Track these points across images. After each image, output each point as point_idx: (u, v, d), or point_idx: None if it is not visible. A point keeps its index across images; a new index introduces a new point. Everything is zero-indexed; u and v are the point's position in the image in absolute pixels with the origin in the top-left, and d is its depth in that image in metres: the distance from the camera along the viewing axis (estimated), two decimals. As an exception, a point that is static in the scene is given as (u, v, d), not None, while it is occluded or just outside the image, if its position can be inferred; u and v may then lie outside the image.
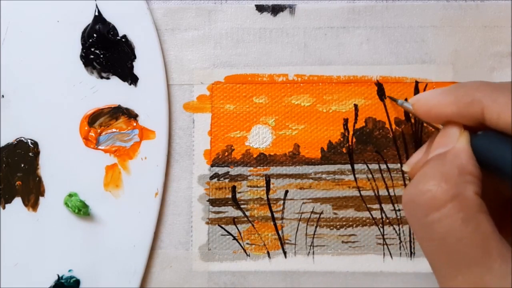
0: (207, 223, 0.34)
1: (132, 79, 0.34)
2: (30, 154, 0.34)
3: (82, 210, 0.33)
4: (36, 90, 0.34)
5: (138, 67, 0.34)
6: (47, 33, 0.34)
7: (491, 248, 0.22)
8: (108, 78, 0.34)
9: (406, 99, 0.34)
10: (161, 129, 0.34)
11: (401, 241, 0.34)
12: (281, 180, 0.34)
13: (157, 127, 0.34)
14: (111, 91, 0.34)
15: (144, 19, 0.34)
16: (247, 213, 0.34)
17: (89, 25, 0.34)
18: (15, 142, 0.34)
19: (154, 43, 0.34)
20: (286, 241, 0.34)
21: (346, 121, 0.34)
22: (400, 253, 0.34)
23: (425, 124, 0.34)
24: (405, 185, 0.34)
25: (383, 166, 0.34)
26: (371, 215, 0.34)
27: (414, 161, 0.28)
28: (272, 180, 0.34)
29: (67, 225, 0.34)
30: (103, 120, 0.34)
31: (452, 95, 0.25)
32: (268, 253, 0.34)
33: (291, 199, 0.34)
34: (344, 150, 0.34)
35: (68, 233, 0.34)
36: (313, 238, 0.34)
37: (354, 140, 0.34)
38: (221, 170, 0.34)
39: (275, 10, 0.35)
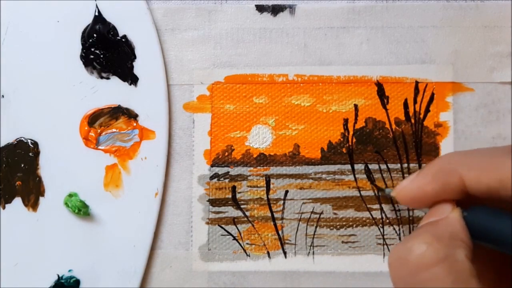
0: (207, 223, 0.34)
1: (132, 79, 0.34)
2: (30, 154, 0.34)
3: (82, 210, 0.33)
4: (36, 90, 0.34)
5: (138, 67, 0.34)
6: (47, 33, 0.34)
7: None
8: (108, 78, 0.34)
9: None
10: (161, 129, 0.34)
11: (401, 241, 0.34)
12: (281, 180, 0.34)
13: (157, 127, 0.34)
14: (111, 91, 0.34)
15: (144, 19, 0.34)
16: (247, 213, 0.34)
17: (89, 25, 0.34)
18: (15, 142, 0.34)
19: (154, 43, 0.34)
20: (286, 241, 0.34)
21: (346, 121, 0.34)
22: (400, 253, 0.34)
23: (425, 123, 0.34)
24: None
25: (383, 166, 0.34)
26: (371, 215, 0.34)
27: None
28: (272, 180, 0.34)
29: (67, 225, 0.34)
30: (103, 120, 0.34)
31: (429, 175, 0.25)
32: (268, 253, 0.34)
33: (291, 199, 0.34)
34: (344, 150, 0.34)
35: (68, 233, 0.34)
36: (313, 238, 0.34)
37: (354, 140, 0.34)
38: (221, 170, 0.34)
39: (275, 10, 0.35)
